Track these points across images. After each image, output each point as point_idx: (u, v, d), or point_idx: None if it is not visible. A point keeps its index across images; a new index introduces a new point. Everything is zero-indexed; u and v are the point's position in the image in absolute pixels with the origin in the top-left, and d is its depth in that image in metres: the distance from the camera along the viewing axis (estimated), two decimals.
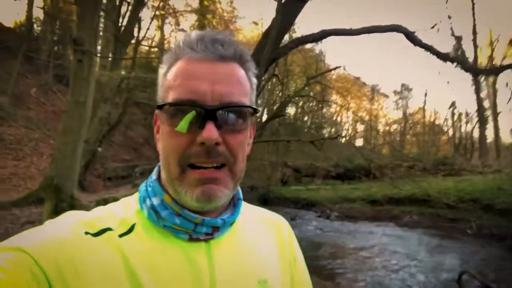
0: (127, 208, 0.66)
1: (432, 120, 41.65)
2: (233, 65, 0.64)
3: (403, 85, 44.55)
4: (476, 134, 31.94)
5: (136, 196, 0.69)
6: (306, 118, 28.24)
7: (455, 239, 9.79)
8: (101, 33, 14.63)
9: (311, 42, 9.97)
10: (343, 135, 40.62)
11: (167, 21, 26.21)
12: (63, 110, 11.81)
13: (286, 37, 10.54)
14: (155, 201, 0.64)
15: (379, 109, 52.71)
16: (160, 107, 0.63)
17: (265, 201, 17.21)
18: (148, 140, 20.20)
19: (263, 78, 8.90)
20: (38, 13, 22.10)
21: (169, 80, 0.63)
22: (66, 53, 19.64)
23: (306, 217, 13.55)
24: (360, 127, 49.53)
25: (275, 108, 14.58)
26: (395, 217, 12.42)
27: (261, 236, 0.75)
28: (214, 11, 23.45)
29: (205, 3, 22.01)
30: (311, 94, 19.32)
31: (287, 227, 0.85)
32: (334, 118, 47.65)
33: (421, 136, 39.68)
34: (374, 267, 7.43)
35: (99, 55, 10.49)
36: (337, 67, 10.80)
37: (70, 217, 0.62)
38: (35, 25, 22.36)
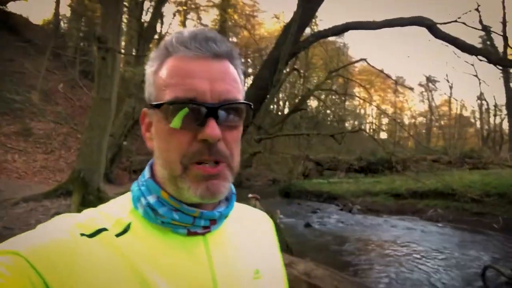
0: (120, 208, 0.66)
1: (458, 112, 40.51)
2: (226, 62, 0.64)
3: (428, 77, 43.37)
4: (505, 126, 30.97)
5: (128, 196, 0.69)
6: (328, 112, 28.01)
7: (480, 233, 9.59)
8: (124, 30, 14.88)
9: (332, 35, 9.87)
10: (366, 128, 40.14)
11: (189, 16, 26.46)
12: (90, 105, 12.15)
13: (308, 31, 10.46)
14: (151, 199, 0.64)
15: (404, 101, 51.74)
16: (158, 106, 0.62)
17: (286, 194, 17.25)
18: None
19: (284, 72, 8.87)
20: (65, 11, 22.63)
21: (163, 78, 0.63)
22: (92, 49, 20.09)
23: (328, 210, 13.53)
24: (385, 120, 48.79)
25: (296, 101, 14.54)
26: (419, 211, 12.26)
27: (252, 229, 0.77)
28: (235, 5, 23.47)
29: None
30: (334, 87, 19.13)
31: (272, 223, 0.87)
32: (357, 111, 47.11)
33: (447, 129, 38.65)
34: (398, 261, 7.38)
35: (122, 52, 10.72)
36: (359, 60, 10.67)
37: (62, 219, 0.61)
38: (62, 23, 23.01)
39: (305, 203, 15.01)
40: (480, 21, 8.28)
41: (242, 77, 0.70)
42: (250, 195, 6.55)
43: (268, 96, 8.71)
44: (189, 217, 0.63)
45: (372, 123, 48.31)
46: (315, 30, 11.57)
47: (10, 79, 14.74)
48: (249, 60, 29.77)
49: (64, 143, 13.29)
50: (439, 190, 11.96)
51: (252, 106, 0.67)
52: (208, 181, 0.61)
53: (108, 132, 6.91)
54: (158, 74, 0.64)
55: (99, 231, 0.59)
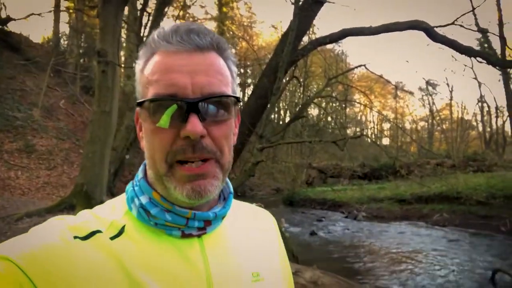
0: (114, 210, 0.65)
1: (460, 115, 40.47)
2: (211, 54, 0.62)
3: (428, 81, 43.42)
4: (507, 128, 30.91)
5: (123, 197, 0.68)
6: (329, 119, 28.06)
7: (487, 237, 9.50)
8: (124, 44, 15.02)
9: (330, 42, 9.91)
10: (368, 134, 40.11)
11: None
12: (91, 120, 12.21)
13: (305, 39, 10.53)
14: (144, 199, 0.63)
15: (405, 106, 51.74)
16: (140, 104, 0.61)
17: (290, 203, 17.19)
18: None
19: (283, 81, 8.90)
20: (64, 28, 22.86)
21: (146, 75, 0.61)
22: (92, 65, 20.27)
23: (333, 218, 13.46)
24: (386, 126, 48.74)
25: (297, 109, 14.57)
26: (425, 216, 12.17)
27: (252, 229, 0.75)
28: (233, 18, 23.68)
29: (224, 9, 22.27)
30: (334, 94, 19.19)
31: (275, 221, 0.85)
32: (359, 118, 47.11)
33: (449, 133, 38.57)
34: (405, 266, 7.31)
35: (122, 65, 10.79)
36: (358, 66, 10.68)
37: (55, 222, 0.59)
38: (61, 40, 23.23)
39: (309, 212, 14.93)
40: (477, 23, 8.31)
41: (235, 68, 0.68)
42: (254, 205, 6.51)
43: (268, 105, 8.73)
44: (182, 218, 0.61)
45: (374, 128, 48.37)
46: (313, 38, 11.63)
47: (11, 97, 14.84)
48: (248, 70, 29.91)
49: (66, 159, 13.31)
50: (444, 194, 11.90)
51: (239, 99, 0.65)
52: (193, 181, 0.59)
53: (110, 145, 6.91)
54: (143, 72, 0.63)
55: (92, 233, 0.58)
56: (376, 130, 48.72)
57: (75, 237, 0.56)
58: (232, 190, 0.73)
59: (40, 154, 12.80)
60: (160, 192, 0.63)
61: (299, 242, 8.70)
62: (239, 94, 0.68)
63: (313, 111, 28.39)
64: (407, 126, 49.79)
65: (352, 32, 8.81)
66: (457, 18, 7.92)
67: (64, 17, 21.15)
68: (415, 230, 10.76)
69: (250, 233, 0.73)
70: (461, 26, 7.88)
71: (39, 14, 22.72)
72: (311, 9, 8.15)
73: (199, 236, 0.64)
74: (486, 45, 22.76)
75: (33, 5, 53.81)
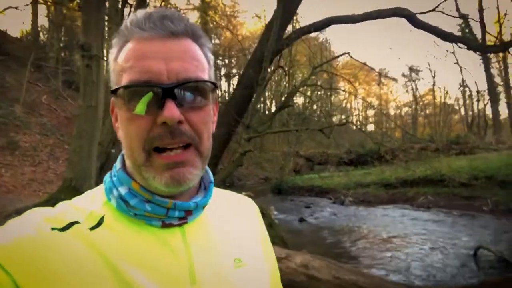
0: (93, 201, 0.64)
1: (442, 100, 41.13)
2: (186, 40, 0.61)
3: (411, 67, 43.91)
4: (488, 111, 31.53)
5: (101, 187, 0.67)
6: (315, 107, 28.19)
7: (471, 217, 9.79)
8: (106, 37, 14.83)
9: (314, 31, 9.95)
10: (354, 121, 40.44)
11: None
12: (75, 115, 12.05)
13: (289, 28, 10.55)
14: (122, 190, 0.62)
15: (389, 93, 52.30)
16: (114, 92, 0.60)
17: (279, 191, 17.33)
18: None
19: (268, 70, 8.93)
20: (43, 22, 22.38)
21: (120, 63, 0.60)
22: (73, 58, 19.92)
23: (320, 204, 13.63)
24: (371, 112, 49.27)
25: (283, 99, 14.64)
26: (410, 199, 12.44)
27: (234, 217, 0.75)
28: (215, 7, 23.48)
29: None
30: (319, 82, 19.29)
31: (256, 207, 0.85)
32: (344, 105, 47.46)
33: (432, 117, 39.20)
34: (391, 247, 7.51)
35: (106, 59, 10.66)
36: (342, 54, 10.74)
37: (32, 214, 0.58)
38: (41, 34, 22.74)
39: (298, 199, 15.10)
40: (457, 10, 8.47)
41: (211, 55, 0.67)
42: (243, 194, 6.58)
43: (254, 95, 8.76)
44: (162, 209, 0.61)
45: (359, 115, 48.85)
46: (297, 27, 11.65)
47: None
48: (233, 60, 29.80)
49: (51, 155, 13.14)
50: (428, 178, 12.15)
51: (216, 85, 0.64)
52: (172, 169, 0.58)
53: (97, 140, 6.88)
54: (117, 60, 0.62)
55: (71, 224, 0.57)
56: (361, 117, 49.25)
57: (53, 229, 0.55)
58: (212, 179, 0.72)
59: (24, 150, 12.61)
60: (139, 182, 0.62)
61: (288, 228, 8.83)
62: (216, 80, 0.66)
63: (299, 100, 28.51)
64: (392, 112, 50.54)
65: (336, 20, 8.87)
66: (438, 5, 8.08)
67: (42, 10, 20.69)
68: (401, 213, 11.01)
69: (231, 220, 0.74)
70: (442, 12, 8.04)
71: (16, 8, 22.19)
72: None
73: (180, 225, 0.64)
74: (467, 30, 23.12)
75: None
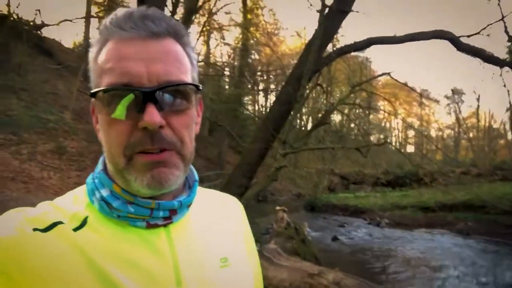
0: (76, 202, 0.62)
1: (487, 124, 39.50)
2: (168, 41, 0.59)
3: (454, 89, 42.63)
4: None
5: (83, 188, 0.66)
6: (352, 125, 27.92)
7: None
8: None
9: (355, 51, 9.97)
10: (392, 141, 39.60)
11: (212, 35, 27.16)
12: None
13: (330, 46, 10.64)
14: (104, 192, 0.61)
15: (430, 114, 50.88)
16: (94, 94, 0.58)
17: (312, 208, 17.20)
18: (195, 150, 20.89)
19: (307, 88, 9.03)
20: (95, 34, 23.67)
21: (100, 64, 0.59)
22: None
23: (355, 224, 13.43)
24: (411, 133, 48.05)
25: (319, 116, 14.66)
26: (449, 224, 12.02)
27: (219, 216, 0.75)
28: (257, 24, 23.95)
29: (249, 16, 22.57)
30: (357, 101, 19.14)
31: (241, 207, 0.84)
32: (383, 124, 46.60)
33: (476, 141, 37.67)
34: (428, 274, 7.31)
35: None
36: (382, 74, 10.67)
37: (13, 214, 0.57)
38: None
39: (331, 217, 14.94)
40: (506, 31, 8.21)
41: (194, 55, 0.66)
42: (277, 208, 6.67)
43: (292, 111, 8.86)
44: (145, 210, 0.60)
45: (398, 136, 47.74)
46: (337, 46, 11.72)
47: (44, 100, 15.50)
48: (271, 76, 30.11)
49: (95, 161, 13.34)
50: (469, 203, 11.73)
51: (200, 88, 0.62)
52: (154, 169, 0.56)
53: None
54: (97, 61, 0.60)
55: (54, 224, 0.56)
56: (400, 137, 48.08)
57: (35, 229, 0.54)
58: (197, 177, 0.71)
59: (71, 155, 13.31)
60: (120, 185, 0.60)
61: (321, 247, 8.79)
62: (198, 81, 0.65)
63: (336, 118, 28.34)
64: (433, 134, 48.98)
65: (377, 41, 8.86)
66: (484, 28, 7.90)
67: (94, 23, 21.95)
68: (439, 238, 10.67)
69: (216, 220, 0.73)
70: (487, 36, 7.87)
71: (71, 20, 23.63)
72: (336, 18, 8.25)
73: (165, 225, 0.62)
74: None
75: (66, 11, 55.89)
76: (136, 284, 0.55)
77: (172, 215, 0.62)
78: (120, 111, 0.55)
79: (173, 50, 0.59)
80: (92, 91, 0.58)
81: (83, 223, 0.58)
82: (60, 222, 0.56)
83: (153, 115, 0.53)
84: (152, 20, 0.57)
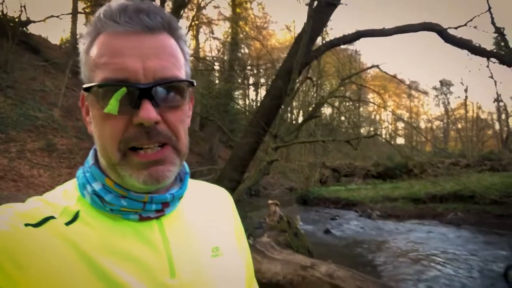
0: (66, 196, 0.62)
1: (475, 114, 39.99)
2: (163, 35, 0.59)
3: (442, 80, 43.03)
4: None
5: (73, 182, 0.65)
6: (343, 118, 28.06)
7: (503, 236, 9.49)
8: None
9: (344, 44, 10.02)
10: (382, 133, 39.93)
11: (201, 30, 26.99)
12: None
13: (319, 40, 10.65)
14: (96, 186, 0.60)
15: (420, 106, 51.33)
16: (87, 89, 0.57)
17: (304, 202, 17.28)
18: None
19: (297, 81, 9.05)
20: (82, 30, 23.42)
21: (93, 57, 0.58)
22: None
23: (346, 216, 13.50)
24: (401, 125, 48.45)
25: (310, 109, 14.70)
26: (439, 215, 12.15)
27: (210, 207, 0.75)
28: (246, 18, 23.85)
29: (238, 10, 22.46)
30: (347, 94, 19.22)
31: (231, 198, 0.84)
32: (373, 117, 46.90)
33: (464, 132, 38.13)
34: (419, 263, 7.38)
35: None
36: (371, 67, 10.76)
37: (3, 210, 0.56)
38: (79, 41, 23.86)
39: (323, 210, 15.02)
40: (493, 23, 8.29)
41: (187, 49, 0.65)
42: (269, 201, 6.69)
43: (282, 105, 8.89)
44: (138, 203, 0.60)
45: (388, 127, 48.10)
46: (326, 39, 11.74)
47: (32, 97, 15.30)
48: (261, 70, 30.07)
49: (86, 158, 13.63)
50: (458, 193, 11.85)
51: (194, 84, 0.62)
52: (150, 167, 0.57)
53: None
54: (89, 53, 0.59)
55: (46, 219, 0.56)
56: (390, 129, 48.47)
57: (27, 224, 0.54)
58: (188, 170, 0.71)
59: (61, 153, 13.19)
60: (113, 179, 0.60)
61: (313, 239, 8.83)
62: (190, 75, 0.65)
63: (327, 111, 28.47)
64: (422, 125, 49.45)
65: (366, 33, 8.92)
66: (470, 20, 7.99)
67: (81, 19, 21.67)
68: (430, 229, 10.78)
69: (207, 210, 0.74)
70: (475, 27, 7.95)
71: (57, 17, 23.26)
72: (325, 11, 8.28)
73: (157, 218, 0.63)
74: (503, 44, 22.48)
75: (51, 7, 55.05)
76: (130, 276, 0.55)
77: (164, 207, 0.63)
78: (112, 105, 0.55)
79: (168, 45, 0.59)
80: (85, 85, 0.57)
81: (75, 217, 0.58)
82: (52, 217, 0.56)
83: (149, 111, 0.54)
84: (147, 14, 0.57)
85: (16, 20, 17.61)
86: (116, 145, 0.56)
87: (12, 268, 0.49)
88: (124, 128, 0.56)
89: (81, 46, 0.61)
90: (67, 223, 0.56)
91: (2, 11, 17.24)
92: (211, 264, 0.65)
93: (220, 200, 0.80)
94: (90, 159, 0.65)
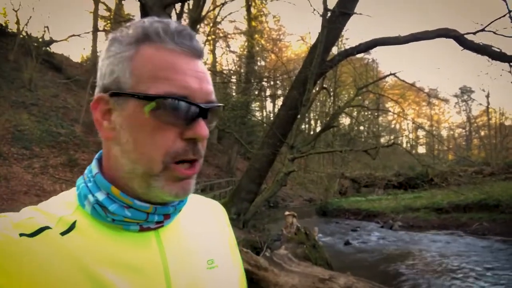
0: (63, 206, 0.61)
1: (498, 121, 38.95)
2: (201, 61, 0.64)
3: (462, 87, 42.22)
4: None
5: (71, 192, 0.64)
6: (361, 128, 27.77)
7: None
8: None
9: (359, 53, 9.96)
10: (403, 142, 39.24)
11: (217, 44, 27.36)
12: None
13: (334, 49, 10.63)
14: (100, 196, 0.60)
15: (440, 114, 50.41)
16: (149, 98, 0.56)
17: (323, 213, 17.08)
18: (206, 158, 20.96)
19: (312, 92, 9.02)
20: (102, 47, 24.10)
21: (148, 68, 0.58)
22: None
23: (367, 228, 13.27)
24: (422, 133, 47.61)
25: (327, 119, 14.62)
26: (463, 225, 11.80)
27: (204, 219, 0.76)
28: (261, 31, 24.06)
29: (253, 24, 22.69)
30: (365, 103, 19.05)
31: (224, 211, 0.86)
32: (393, 126, 46.25)
33: (487, 139, 37.15)
34: (443, 275, 7.17)
35: None
36: (388, 75, 10.64)
37: None
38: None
39: (343, 222, 14.81)
40: None
41: None
42: (286, 213, 6.63)
43: (299, 115, 8.86)
44: (142, 214, 0.60)
45: (407, 137, 47.30)
46: (342, 48, 11.71)
47: (55, 114, 15.72)
48: (277, 82, 30.17)
49: None
50: (483, 202, 11.52)
51: (224, 108, 0.69)
52: (184, 181, 0.60)
53: None
54: (138, 62, 0.58)
55: (41, 229, 0.55)
56: (411, 138, 47.65)
57: (21, 234, 0.53)
58: None
59: (82, 168, 13.44)
60: (136, 189, 0.60)
61: (333, 251, 8.70)
62: None
63: (345, 121, 28.25)
64: (444, 133, 48.49)
65: (380, 42, 8.83)
66: (488, 24, 7.77)
67: (102, 36, 22.30)
68: (454, 239, 10.48)
69: (202, 222, 0.75)
70: (494, 33, 7.73)
71: (79, 35, 24.03)
72: (339, 21, 8.26)
73: (155, 229, 0.64)
74: None
75: (73, 26, 56.92)
76: (127, 286, 0.55)
77: (165, 219, 0.64)
78: (171, 117, 0.58)
79: (207, 71, 0.63)
80: (145, 93, 0.57)
81: (71, 227, 0.57)
82: (47, 227, 0.55)
83: (204, 129, 0.58)
84: (196, 39, 0.62)
85: (40, 40, 18.28)
86: (162, 156, 0.57)
87: (5, 279, 0.49)
88: (173, 141, 0.58)
89: (122, 53, 0.60)
90: (63, 233, 0.56)
91: (27, 32, 17.92)
92: (206, 276, 0.66)
93: (214, 213, 0.81)
94: (93, 168, 0.64)
